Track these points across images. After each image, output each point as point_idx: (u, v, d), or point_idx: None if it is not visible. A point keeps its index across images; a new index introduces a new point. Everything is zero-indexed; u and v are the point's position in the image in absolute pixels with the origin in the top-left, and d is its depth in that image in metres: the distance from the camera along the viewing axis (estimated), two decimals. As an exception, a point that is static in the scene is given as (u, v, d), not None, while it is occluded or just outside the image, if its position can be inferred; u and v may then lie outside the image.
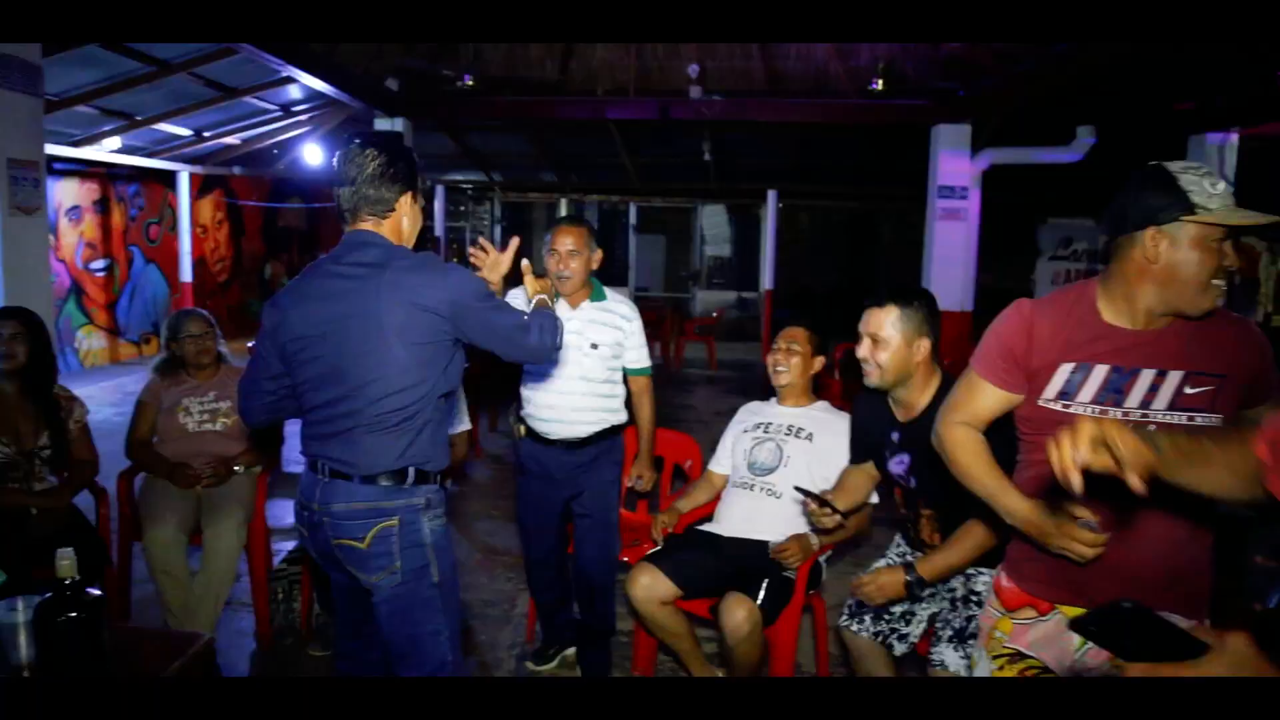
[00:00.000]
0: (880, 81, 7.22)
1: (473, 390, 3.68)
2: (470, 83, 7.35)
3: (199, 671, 1.90)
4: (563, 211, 15.82)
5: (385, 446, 2.11)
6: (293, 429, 2.45)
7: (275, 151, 11.94)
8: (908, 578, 2.54)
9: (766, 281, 13.54)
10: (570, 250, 3.16)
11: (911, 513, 2.76)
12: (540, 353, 2.19)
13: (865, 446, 2.90)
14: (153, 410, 3.64)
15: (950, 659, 2.48)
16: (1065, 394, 1.87)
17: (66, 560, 1.72)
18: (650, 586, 3.01)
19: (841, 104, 8.85)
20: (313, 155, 11.17)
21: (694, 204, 15.70)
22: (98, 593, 1.74)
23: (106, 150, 9.33)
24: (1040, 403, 1.90)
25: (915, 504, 2.72)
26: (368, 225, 2.20)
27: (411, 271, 2.10)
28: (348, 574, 2.22)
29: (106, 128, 8.97)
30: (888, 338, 2.57)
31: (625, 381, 3.37)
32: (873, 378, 2.63)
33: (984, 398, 1.98)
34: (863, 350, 2.62)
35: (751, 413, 3.39)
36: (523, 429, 3.36)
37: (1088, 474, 1.36)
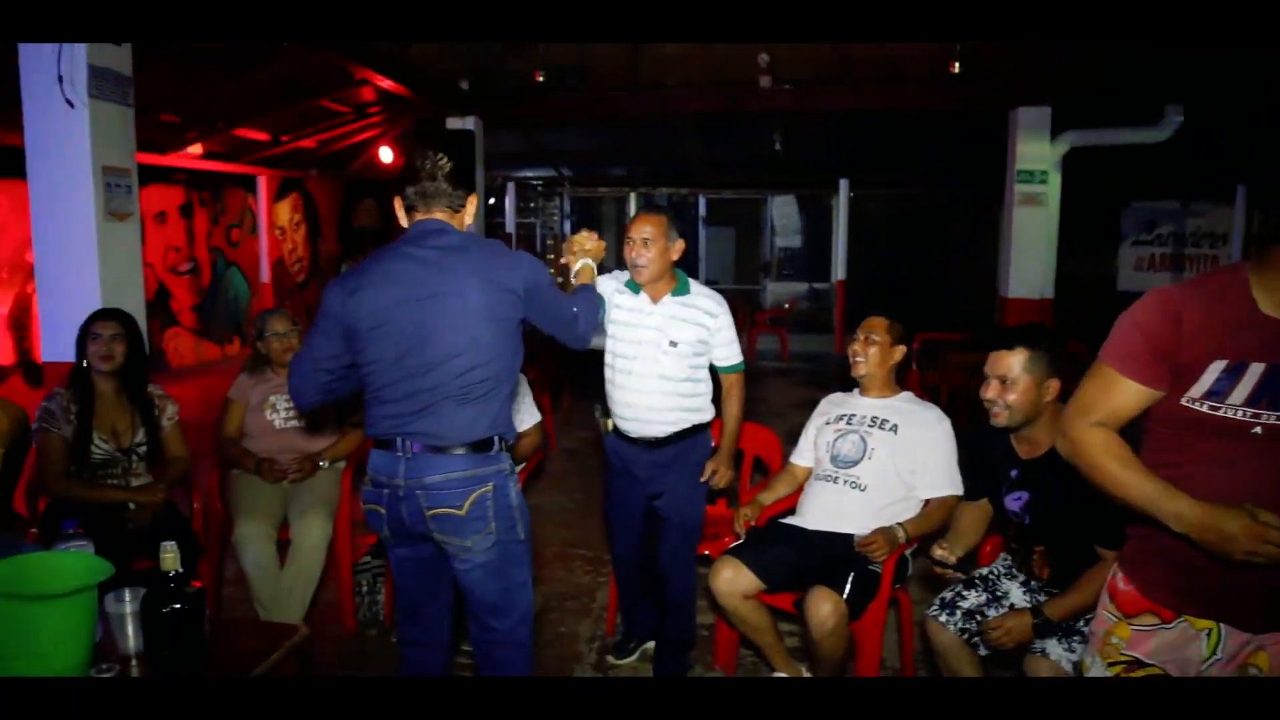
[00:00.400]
0: (957, 65, 7.05)
1: (547, 382, 3.71)
2: (541, 78, 7.38)
3: (295, 663, 1.94)
4: (632, 205, 15.84)
5: (474, 418, 2.24)
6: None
7: (350, 153, 12.17)
8: (1036, 620, 2.51)
9: (839, 272, 13.38)
10: (646, 238, 3.08)
11: (1021, 547, 2.74)
12: (585, 338, 2.45)
13: (981, 481, 2.88)
14: (241, 408, 3.74)
15: (1054, 649, 2.45)
16: (1214, 393, 1.68)
17: (170, 554, 1.77)
18: (733, 580, 2.99)
19: (915, 89, 8.67)
20: (386, 155, 11.35)
21: (763, 195, 15.59)
22: (199, 585, 1.79)
23: (190, 157, 9.60)
24: (1184, 402, 1.72)
25: (1028, 540, 2.70)
26: (441, 215, 2.31)
27: (493, 254, 2.28)
28: (427, 545, 2.35)
29: (190, 135, 9.23)
30: (1016, 379, 2.56)
31: (715, 376, 3.28)
32: (1000, 419, 2.62)
33: (1123, 396, 1.77)
34: (990, 392, 2.61)
35: (834, 404, 3.34)
36: (609, 424, 3.32)
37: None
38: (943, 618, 2.75)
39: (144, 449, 3.40)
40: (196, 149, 9.55)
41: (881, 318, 3.22)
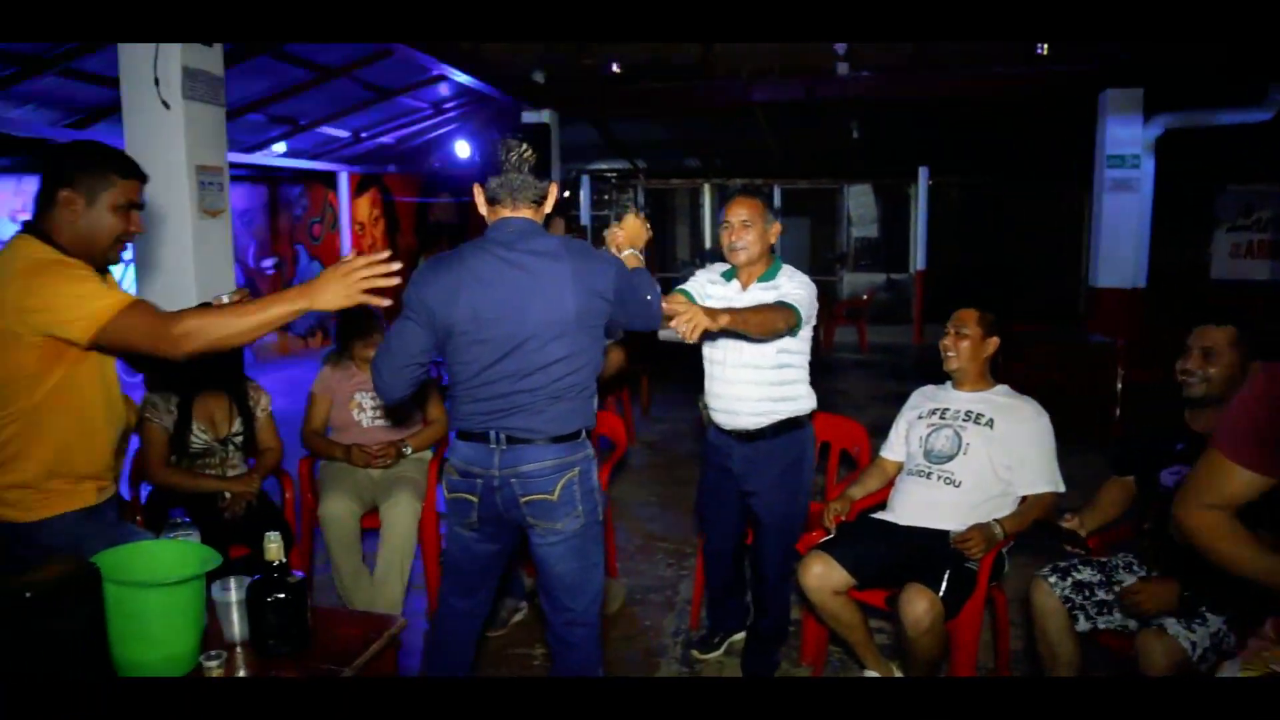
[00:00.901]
0: (1045, 46, 6.83)
1: (626, 374, 3.71)
2: (617, 70, 7.37)
3: (393, 652, 1.96)
4: (706, 197, 15.75)
5: (566, 413, 2.36)
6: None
7: (427, 148, 12.34)
8: (1185, 593, 2.45)
9: (918, 262, 13.12)
10: (745, 221, 3.04)
11: (1157, 529, 2.68)
12: (659, 318, 2.54)
13: (1136, 456, 2.86)
14: (326, 402, 3.78)
15: (1172, 626, 2.41)
16: None
17: (274, 543, 1.80)
18: (824, 575, 2.94)
19: (999, 74, 8.44)
20: (462, 150, 11.47)
21: (840, 185, 15.35)
22: (301, 575, 1.81)
23: (274, 155, 9.83)
24: None
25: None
26: (527, 213, 2.35)
27: (587, 260, 2.34)
28: (504, 534, 2.49)
29: (274, 134, 9.45)
30: (1221, 353, 2.58)
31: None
32: (1196, 389, 2.63)
33: (1234, 482, 1.68)
34: (1191, 363, 2.63)
35: (926, 398, 3.26)
36: (708, 414, 3.30)
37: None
38: (1052, 579, 2.73)
39: (240, 439, 3.48)
40: (280, 147, 9.78)
41: (972, 309, 3.14)
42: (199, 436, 3.39)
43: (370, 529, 3.65)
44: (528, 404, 2.31)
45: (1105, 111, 8.26)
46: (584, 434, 2.43)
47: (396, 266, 2.10)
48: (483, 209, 2.39)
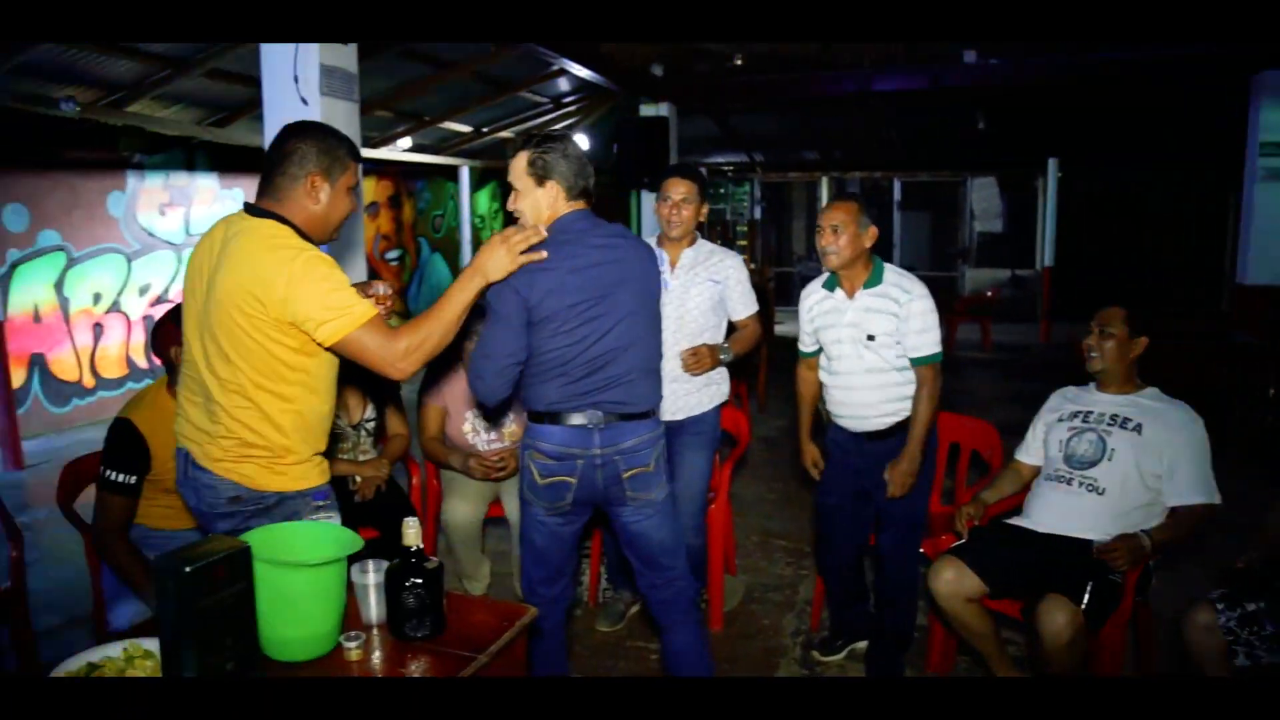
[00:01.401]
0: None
1: (738, 369, 3.68)
2: (739, 61, 7.30)
3: (524, 642, 1.97)
4: (824, 190, 15.51)
5: (653, 387, 2.57)
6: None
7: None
8: None
9: (1045, 258, 12.62)
10: (836, 226, 3.06)
11: None
12: None
13: None
14: (439, 412, 3.69)
15: None
16: None
17: (412, 529, 1.83)
18: (955, 582, 2.84)
19: (1138, 57, 8.01)
20: (582, 144, 11.56)
21: (963, 177, 14.88)
22: (438, 561, 1.84)
23: (399, 150, 10.11)
24: None
25: None
26: (587, 205, 2.51)
27: (637, 239, 2.62)
28: (585, 514, 2.60)
29: (399, 129, 9.71)
30: None
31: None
32: None
33: None
34: None
35: (1067, 399, 3.11)
36: (829, 413, 3.30)
37: None
38: (1220, 604, 2.53)
39: (372, 424, 3.58)
40: (405, 142, 10.04)
41: (1117, 308, 2.99)
42: (335, 421, 3.49)
43: (491, 518, 3.72)
44: (626, 380, 2.46)
45: (1259, 95, 7.76)
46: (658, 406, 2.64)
47: (545, 235, 2.31)
48: (556, 202, 2.42)
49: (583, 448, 2.44)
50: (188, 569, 1.44)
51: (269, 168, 2.16)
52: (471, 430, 3.69)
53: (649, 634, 3.61)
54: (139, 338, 8.15)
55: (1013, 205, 15.12)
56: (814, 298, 3.26)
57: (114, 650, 1.75)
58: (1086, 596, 2.60)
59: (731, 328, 3.52)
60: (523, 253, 2.25)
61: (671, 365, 3.30)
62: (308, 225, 2.13)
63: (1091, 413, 2.97)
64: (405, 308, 12.07)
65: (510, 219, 2.51)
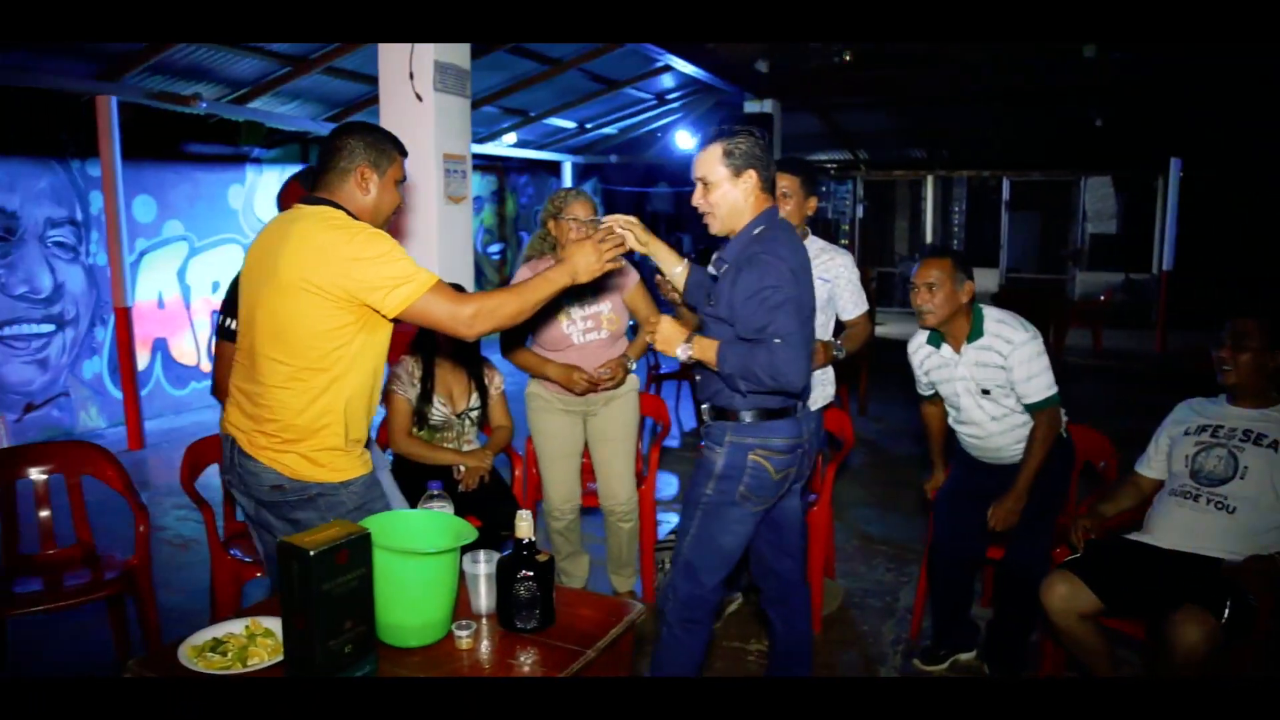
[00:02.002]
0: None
1: (840, 371, 3.63)
2: (848, 57, 7.18)
3: (630, 638, 1.97)
4: (928, 189, 15.17)
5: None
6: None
7: (648, 139, 12.53)
8: None
9: (1164, 261, 12.07)
10: (931, 283, 3.05)
11: None
12: None
13: None
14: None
15: None
16: None
17: (525, 521, 1.84)
18: (1070, 597, 2.73)
19: (1271, 49, 7.55)
20: (683, 140, 11.55)
21: (1076, 177, 14.35)
22: (549, 555, 1.85)
23: (505, 145, 10.26)
24: None
25: None
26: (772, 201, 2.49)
27: None
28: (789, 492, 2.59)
29: (505, 125, 9.86)
30: None
31: None
32: None
33: None
34: None
35: (1194, 412, 2.95)
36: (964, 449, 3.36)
37: None
38: None
39: (476, 414, 3.63)
40: (510, 138, 10.19)
41: (1253, 320, 2.83)
42: (439, 410, 3.56)
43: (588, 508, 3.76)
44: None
45: None
46: None
47: (627, 236, 2.41)
48: (751, 195, 2.39)
49: (800, 436, 2.50)
50: (312, 553, 1.48)
51: (322, 163, 2.26)
52: (568, 318, 3.45)
53: (746, 634, 3.59)
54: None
55: (1128, 206, 14.53)
56: (921, 353, 3.28)
57: (236, 627, 1.82)
58: (1227, 611, 2.45)
59: (840, 327, 3.46)
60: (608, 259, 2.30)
61: None
62: (360, 215, 2.21)
63: (1222, 427, 2.82)
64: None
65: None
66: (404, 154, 2.32)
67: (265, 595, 2.61)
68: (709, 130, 2.43)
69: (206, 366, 8.03)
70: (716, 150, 2.35)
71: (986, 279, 14.80)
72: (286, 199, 2.87)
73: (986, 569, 3.81)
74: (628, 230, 2.43)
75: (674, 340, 2.39)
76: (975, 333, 3.08)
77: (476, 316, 2.11)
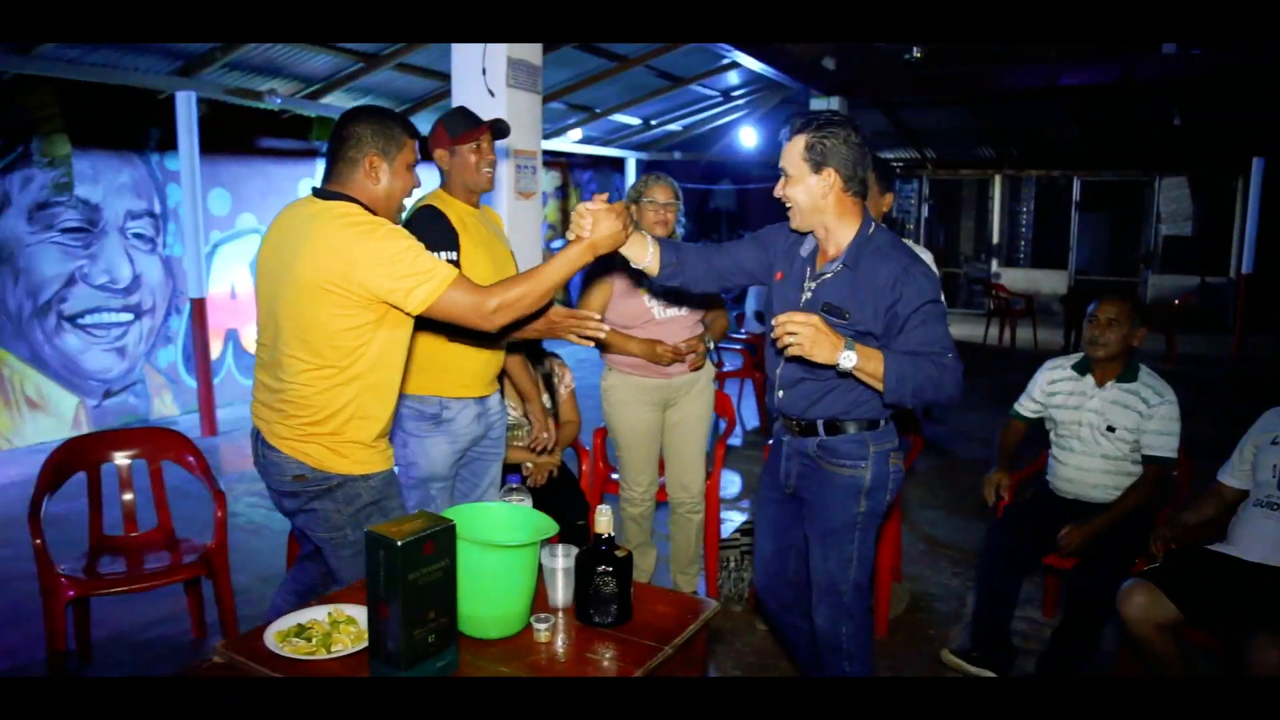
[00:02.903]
0: None
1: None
2: (918, 54, 7.08)
3: (704, 636, 1.96)
4: (996, 189, 14.90)
5: None
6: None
7: (712, 136, 12.49)
8: None
9: (1244, 265, 11.70)
10: (1111, 319, 3.18)
11: None
12: None
13: None
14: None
15: None
16: None
17: (605, 517, 1.84)
18: (1148, 607, 2.67)
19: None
20: (748, 138, 11.49)
21: (1150, 177, 13.98)
22: (627, 551, 1.85)
23: (571, 141, 10.30)
24: None
25: None
26: (863, 200, 2.41)
27: None
28: None
29: (571, 121, 9.90)
30: None
31: None
32: None
33: None
34: None
35: None
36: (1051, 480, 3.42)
37: None
38: None
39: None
40: (576, 134, 10.23)
41: None
42: (509, 410, 3.58)
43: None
44: None
45: None
46: None
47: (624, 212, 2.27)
48: (830, 192, 2.30)
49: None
50: (400, 543, 1.50)
51: (331, 153, 2.23)
52: (648, 293, 3.42)
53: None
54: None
55: (1205, 207, 14.12)
56: (1060, 374, 3.35)
57: (319, 613, 1.85)
58: None
59: None
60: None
61: None
62: (373, 205, 2.20)
63: (1314, 437, 2.73)
64: (567, 298, 12.32)
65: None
66: (415, 136, 2.29)
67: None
68: (797, 119, 2.34)
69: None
70: (799, 143, 2.27)
71: (1054, 280, 14.51)
72: (436, 142, 2.81)
73: (1048, 578, 3.75)
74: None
75: (829, 346, 2.09)
76: (1129, 376, 3.20)
77: (499, 309, 2.10)
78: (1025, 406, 3.45)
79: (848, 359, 2.10)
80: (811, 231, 2.40)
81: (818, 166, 2.27)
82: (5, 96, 5.97)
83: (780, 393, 2.45)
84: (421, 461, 2.76)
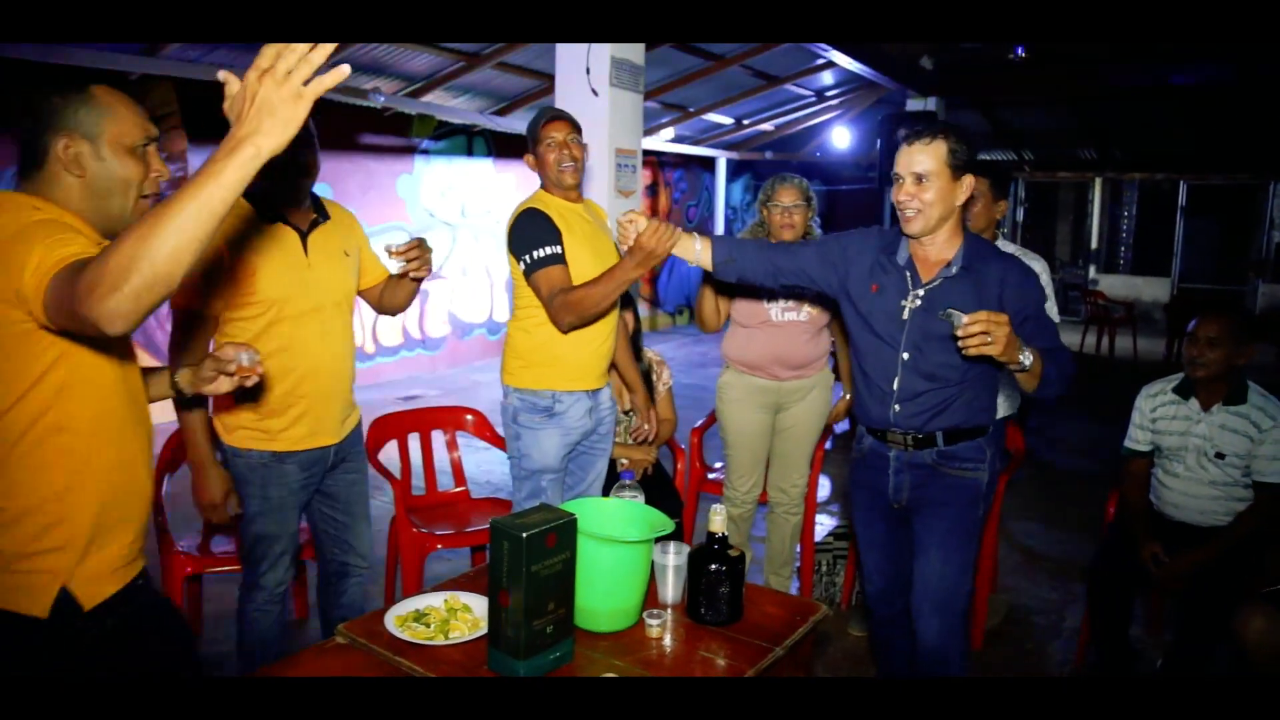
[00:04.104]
0: None
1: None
2: (1023, 54, 6.91)
3: (812, 638, 1.96)
4: (1095, 192, 14.45)
5: None
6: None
7: (804, 136, 12.38)
8: None
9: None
10: (1211, 338, 2.98)
11: None
12: None
13: None
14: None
15: None
16: None
17: (719, 515, 1.86)
18: (1268, 631, 2.57)
19: None
20: (840, 138, 11.36)
21: (1264, 180, 13.38)
22: (739, 550, 1.86)
23: (663, 140, 10.32)
24: None
25: None
26: None
27: None
28: None
29: (664, 120, 9.91)
30: None
31: None
32: None
33: None
34: None
35: None
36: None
37: None
38: None
39: (629, 415, 3.68)
40: (668, 133, 10.24)
41: None
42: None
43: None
44: None
45: None
46: None
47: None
48: (960, 200, 2.31)
49: None
50: (525, 534, 1.54)
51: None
52: (768, 295, 3.39)
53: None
54: (414, 310, 8.82)
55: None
56: (1161, 399, 3.17)
57: (436, 600, 1.90)
58: None
59: None
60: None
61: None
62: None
63: None
64: (655, 295, 12.36)
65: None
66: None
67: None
68: (925, 124, 2.33)
69: (371, 348, 8.41)
70: (943, 148, 2.24)
71: (1157, 288, 14.01)
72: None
73: (1155, 595, 3.64)
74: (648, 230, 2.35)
75: (1016, 344, 2.08)
76: (1236, 398, 3.01)
77: (564, 308, 2.18)
78: (1136, 440, 3.22)
79: (1027, 356, 2.11)
80: (905, 240, 2.38)
81: (959, 173, 2.27)
82: (131, 96, 6.25)
83: (897, 406, 2.40)
84: (534, 453, 2.81)
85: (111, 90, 1.65)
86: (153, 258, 1.21)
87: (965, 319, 1.98)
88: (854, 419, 2.75)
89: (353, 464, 2.74)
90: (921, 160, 2.25)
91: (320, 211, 2.61)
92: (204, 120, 6.67)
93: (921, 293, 2.34)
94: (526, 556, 1.55)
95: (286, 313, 2.44)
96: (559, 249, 2.67)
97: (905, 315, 2.36)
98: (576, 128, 2.81)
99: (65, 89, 1.60)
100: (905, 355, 2.36)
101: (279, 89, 1.21)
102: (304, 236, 2.52)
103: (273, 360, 2.34)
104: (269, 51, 1.22)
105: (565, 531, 1.61)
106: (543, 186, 2.86)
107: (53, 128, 1.57)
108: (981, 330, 1.97)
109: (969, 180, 2.28)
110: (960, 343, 2.01)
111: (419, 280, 2.67)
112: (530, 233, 2.66)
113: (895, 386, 2.39)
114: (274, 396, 2.45)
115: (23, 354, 1.46)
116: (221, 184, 1.22)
